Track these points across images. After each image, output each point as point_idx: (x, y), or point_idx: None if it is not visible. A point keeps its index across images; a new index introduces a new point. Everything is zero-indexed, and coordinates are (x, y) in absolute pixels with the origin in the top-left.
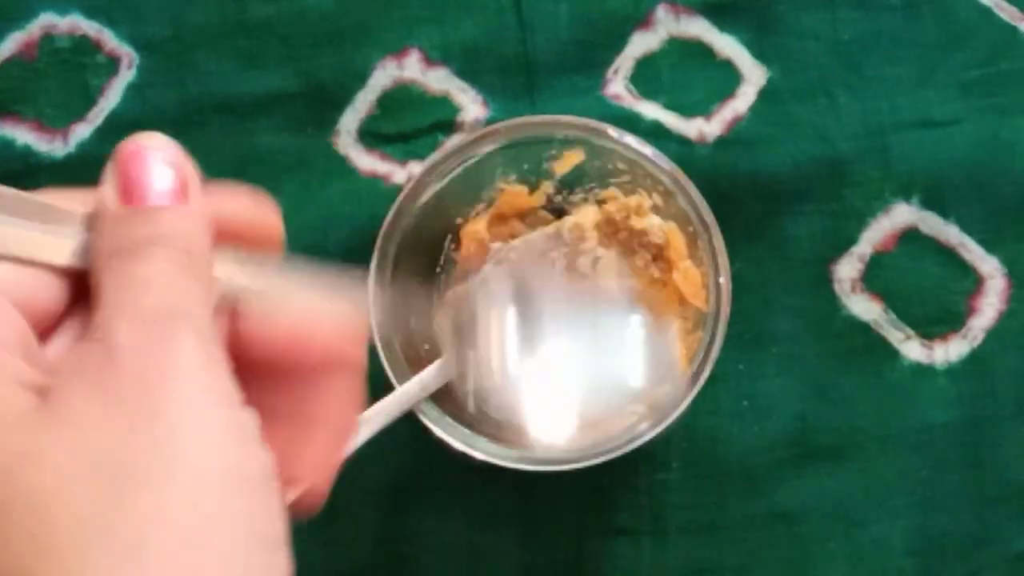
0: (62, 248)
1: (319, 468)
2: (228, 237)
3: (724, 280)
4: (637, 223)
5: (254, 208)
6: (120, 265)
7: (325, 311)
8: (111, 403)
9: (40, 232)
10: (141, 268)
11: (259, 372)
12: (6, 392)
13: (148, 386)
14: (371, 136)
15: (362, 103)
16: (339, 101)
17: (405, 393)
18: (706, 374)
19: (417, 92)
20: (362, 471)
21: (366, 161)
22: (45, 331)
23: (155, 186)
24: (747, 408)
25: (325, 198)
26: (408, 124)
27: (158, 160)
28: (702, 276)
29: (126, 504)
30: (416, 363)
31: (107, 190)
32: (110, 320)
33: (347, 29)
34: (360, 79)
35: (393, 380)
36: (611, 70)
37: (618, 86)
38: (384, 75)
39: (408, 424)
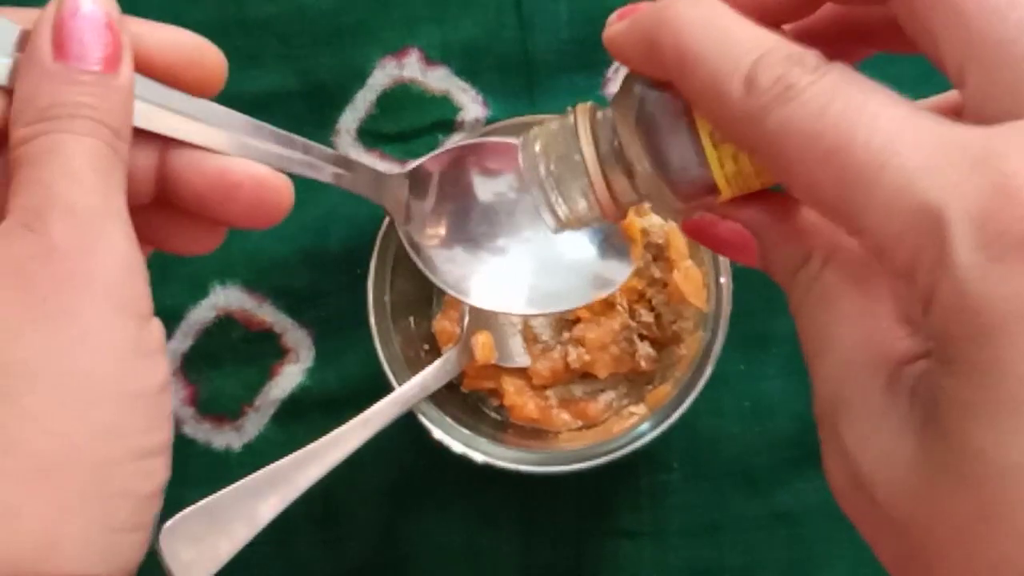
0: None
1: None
2: (163, 73)
3: (725, 280)
4: (637, 223)
5: (193, 47)
6: (49, 138)
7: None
8: (32, 301)
9: None
10: (70, 147)
11: (182, 211)
12: None
13: (72, 289)
14: (371, 135)
15: (362, 102)
16: (339, 100)
17: (405, 393)
18: (707, 374)
19: (417, 92)
20: (362, 471)
21: (366, 160)
22: None
23: (90, 50)
24: (748, 409)
25: (325, 198)
26: (408, 123)
27: (98, 22)
28: (703, 276)
29: (12, 401)
30: (416, 363)
31: (43, 37)
32: (44, 212)
33: (347, 29)
34: (360, 79)
35: (393, 380)
36: (611, 69)
37: (618, 85)
38: (384, 75)
39: (408, 424)
